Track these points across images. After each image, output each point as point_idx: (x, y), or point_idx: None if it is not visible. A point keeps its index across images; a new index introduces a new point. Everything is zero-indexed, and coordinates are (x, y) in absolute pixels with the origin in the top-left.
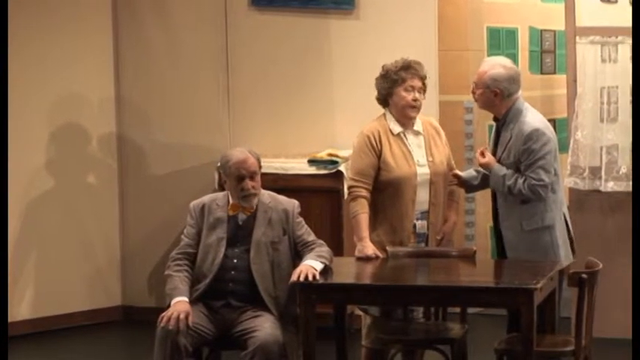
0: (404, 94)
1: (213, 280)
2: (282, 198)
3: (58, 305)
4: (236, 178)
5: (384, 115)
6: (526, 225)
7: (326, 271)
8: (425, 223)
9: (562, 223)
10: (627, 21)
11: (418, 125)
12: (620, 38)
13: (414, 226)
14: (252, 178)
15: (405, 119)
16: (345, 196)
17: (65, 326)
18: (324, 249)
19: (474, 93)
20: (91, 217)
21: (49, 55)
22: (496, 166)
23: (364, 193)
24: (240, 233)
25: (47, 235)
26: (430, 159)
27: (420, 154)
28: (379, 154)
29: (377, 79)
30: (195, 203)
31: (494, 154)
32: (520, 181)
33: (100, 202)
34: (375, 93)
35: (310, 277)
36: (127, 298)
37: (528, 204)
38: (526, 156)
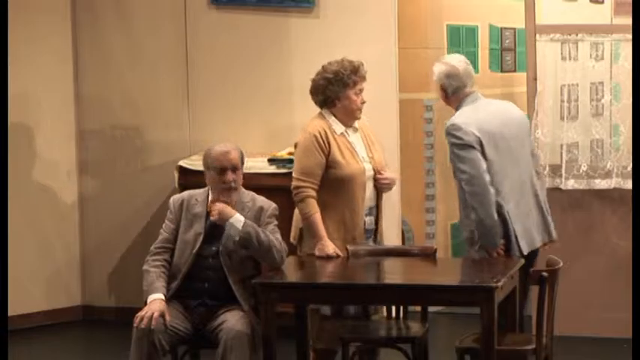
0: (354, 97)
1: (189, 279)
2: (261, 199)
3: (18, 305)
4: (218, 170)
5: (322, 114)
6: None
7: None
8: (372, 218)
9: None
10: (587, 19)
11: (355, 123)
12: (580, 36)
13: (364, 222)
14: (233, 171)
15: (352, 120)
16: None
17: (25, 326)
18: (277, 240)
19: None
20: (51, 217)
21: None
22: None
23: (312, 193)
24: (216, 231)
25: None
26: (370, 155)
27: (363, 150)
28: (327, 153)
29: (321, 81)
30: (175, 198)
31: None
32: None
33: (59, 201)
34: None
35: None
36: (87, 297)
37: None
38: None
